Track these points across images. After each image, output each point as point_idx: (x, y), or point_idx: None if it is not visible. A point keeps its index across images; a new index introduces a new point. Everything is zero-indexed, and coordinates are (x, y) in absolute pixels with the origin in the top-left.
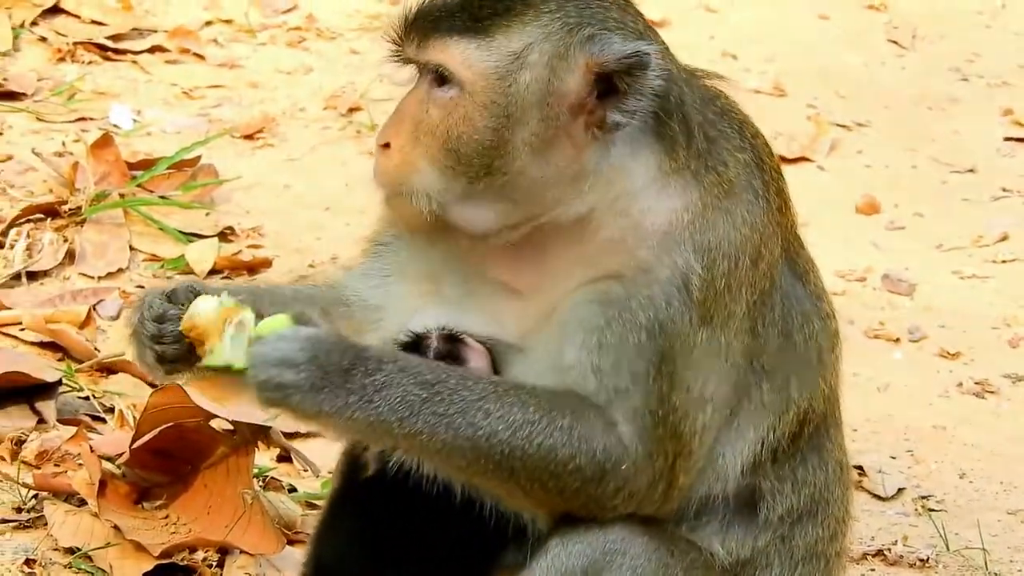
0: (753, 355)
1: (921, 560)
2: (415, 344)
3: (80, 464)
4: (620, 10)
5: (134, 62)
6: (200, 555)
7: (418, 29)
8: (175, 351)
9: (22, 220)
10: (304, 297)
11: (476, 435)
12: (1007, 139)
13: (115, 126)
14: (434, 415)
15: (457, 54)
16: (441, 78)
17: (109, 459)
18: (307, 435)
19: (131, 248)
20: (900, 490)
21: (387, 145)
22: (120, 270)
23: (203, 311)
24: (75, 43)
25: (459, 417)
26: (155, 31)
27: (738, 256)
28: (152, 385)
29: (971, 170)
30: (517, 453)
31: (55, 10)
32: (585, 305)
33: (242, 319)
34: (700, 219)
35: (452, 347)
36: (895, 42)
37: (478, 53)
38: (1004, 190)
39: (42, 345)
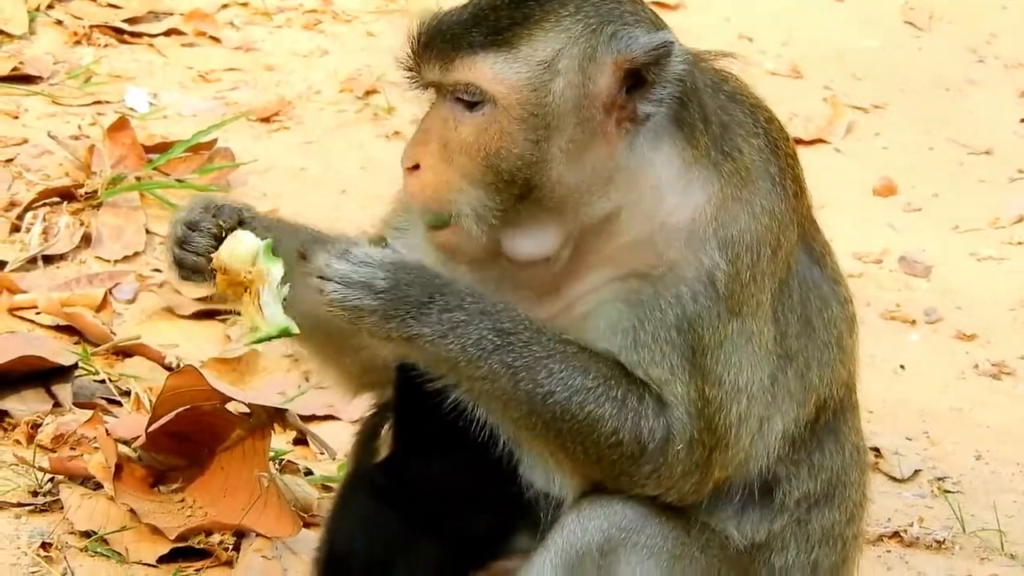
0: (778, 342)
1: (937, 541)
2: None
3: (96, 448)
4: (631, 2)
5: (150, 45)
6: (216, 538)
7: (437, 50)
8: (194, 262)
9: (38, 203)
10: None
11: (534, 391)
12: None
13: (131, 109)
14: (501, 364)
15: (486, 70)
16: (467, 96)
17: (125, 442)
18: (324, 418)
19: (147, 231)
20: (916, 472)
21: (416, 167)
22: (136, 253)
23: (237, 254)
24: (91, 26)
25: (524, 371)
26: (171, 14)
27: (760, 247)
28: (168, 368)
29: (988, 152)
30: (567, 416)
31: None
32: (612, 305)
33: (272, 275)
34: (723, 212)
35: None
36: (912, 24)
37: (508, 66)
38: (1021, 171)
39: (58, 328)
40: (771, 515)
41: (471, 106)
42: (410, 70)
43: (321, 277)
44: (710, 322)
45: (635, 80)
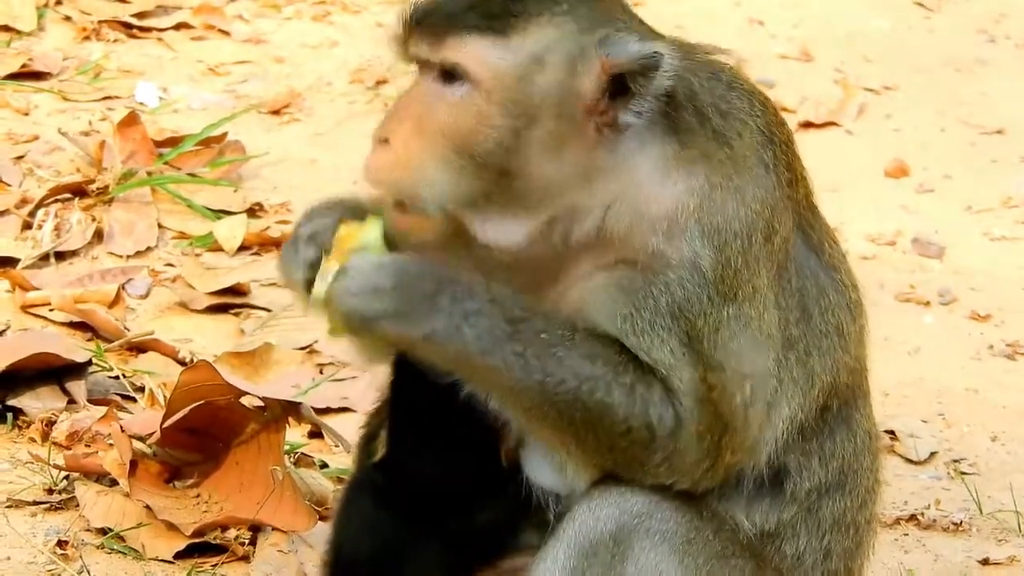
0: (781, 328)
1: (954, 524)
2: None
3: (111, 444)
4: (624, 11)
5: (159, 39)
6: (232, 533)
7: (430, 28)
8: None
9: (50, 200)
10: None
11: (545, 380)
12: None
13: (141, 104)
14: (513, 353)
15: (475, 53)
16: (450, 76)
17: (140, 438)
18: (339, 410)
19: (159, 226)
20: (932, 454)
21: (386, 142)
22: (148, 248)
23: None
24: (100, 21)
25: (535, 360)
26: (180, 8)
27: (750, 233)
28: (182, 363)
29: (1000, 131)
30: (578, 404)
31: None
32: (606, 291)
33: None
34: (707, 201)
35: None
36: (922, 4)
37: (496, 52)
38: None
39: (71, 325)
40: (781, 505)
41: (454, 87)
42: (400, 43)
43: (328, 302)
44: (701, 308)
45: (620, 87)
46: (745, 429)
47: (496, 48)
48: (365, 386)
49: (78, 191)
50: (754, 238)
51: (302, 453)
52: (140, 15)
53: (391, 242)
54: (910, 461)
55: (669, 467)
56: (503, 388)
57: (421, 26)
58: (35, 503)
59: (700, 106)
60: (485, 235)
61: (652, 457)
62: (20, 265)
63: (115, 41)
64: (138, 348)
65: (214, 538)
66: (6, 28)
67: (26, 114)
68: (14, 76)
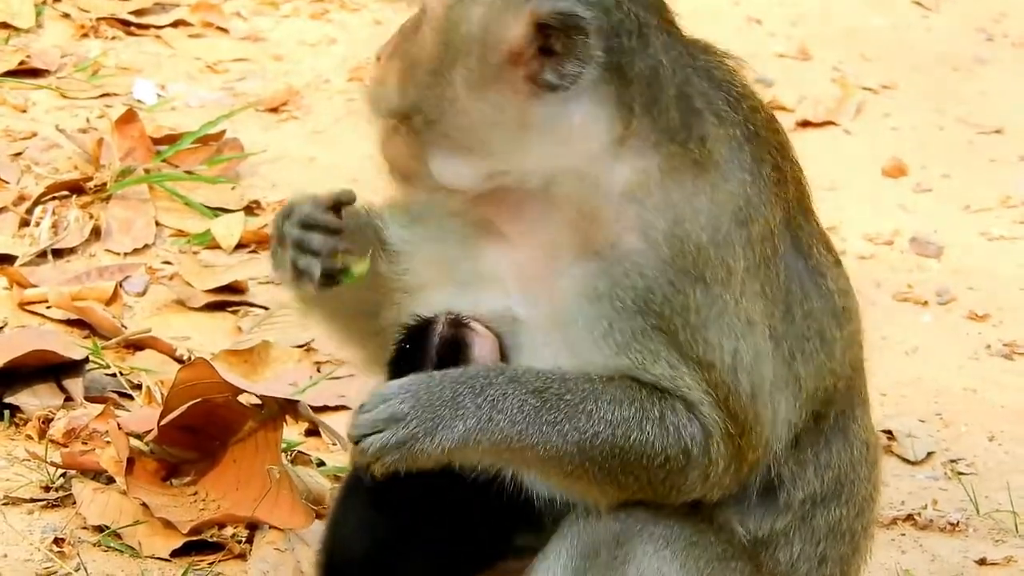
0: (767, 318)
1: (952, 524)
2: (423, 328)
3: (108, 442)
4: None
5: (157, 37)
6: (229, 531)
7: None
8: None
9: (47, 197)
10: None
11: (582, 439)
12: None
13: (139, 101)
14: (548, 423)
15: None
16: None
17: (137, 436)
18: (336, 408)
19: (157, 224)
20: (930, 454)
21: (379, 59)
22: (146, 246)
23: None
24: (98, 19)
25: (566, 423)
26: (178, 5)
27: (717, 215)
28: (179, 361)
29: (998, 131)
30: (616, 451)
31: None
32: (579, 306)
33: None
34: (659, 186)
35: (458, 332)
36: (920, 3)
37: None
38: None
39: (68, 322)
40: (775, 514)
41: (420, 13)
42: None
43: (355, 442)
44: (663, 294)
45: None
46: (758, 423)
47: None
48: (362, 385)
49: (76, 188)
50: (722, 219)
51: (299, 451)
52: (138, 12)
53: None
54: (907, 461)
55: (704, 481)
56: (544, 460)
57: None
58: (32, 500)
59: (661, 94)
60: (440, 174)
61: (688, 477)
62: (17, 262)
63: (113, 38)
64: (135, 346)
65: (211, 536)
66: (4, 25)
67: (24, 111)
68: (12, 73)
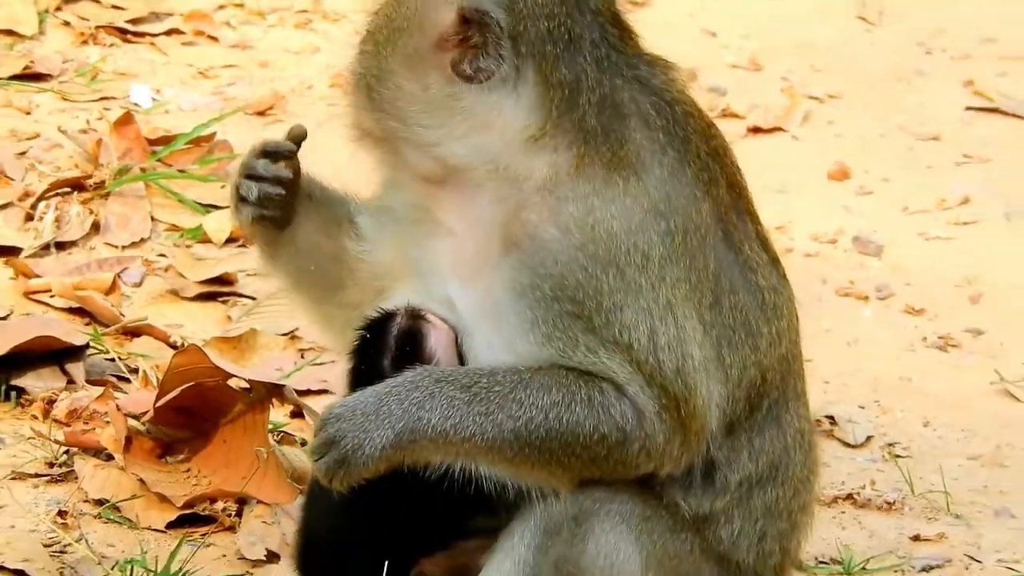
0: (692, 302)
1: (888, 503)
2: (383, 320)
3: (107, 422)
4: None
5: (152, 44)
6: (220, 505)
7: None
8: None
9: (50, 194)
10: (341, 201)
11: (516, 426)
12: (968, 108)
13: (135, 105)
14: (479, 415)
15: None
16: None
17: (134, 417)
18: (318, 392)
19: (152, 219)
20: (868, 438)
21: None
22: (142, 240)
23: None
24: (97, 27)
25: (498, 412)
26: (171, 14)
27: (630, 206)
28: (174, 347)
29: (935, 138)
30: (553, 434)
31: None
32: (507, 299)
33: None
34: (570, 178)
35: (415, 324)
36: (864, 19)
37: None
38: (966, 156)
39: (71, 311)
40: (713, 494)
41: None
42: None
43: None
44: (576, 280)
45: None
46: (693, 395)
47: None
48: (343, 370)
49: (77, 185)
50: (635, 210)
51: (285, 432)
52: (134, 21)
53: None
54: (847, 444)
55: (647, 455)
56: (486, 451)
57: None
58: (37, 476)
59: (581, 99)
60: (382, 139)
61: (631, 452)
62: (23, 254)
63: (111, 45)
64: (132, 332)
65: (203, 509)
66: (9, 32)
67: (28, 113)
68: (17, 77)
